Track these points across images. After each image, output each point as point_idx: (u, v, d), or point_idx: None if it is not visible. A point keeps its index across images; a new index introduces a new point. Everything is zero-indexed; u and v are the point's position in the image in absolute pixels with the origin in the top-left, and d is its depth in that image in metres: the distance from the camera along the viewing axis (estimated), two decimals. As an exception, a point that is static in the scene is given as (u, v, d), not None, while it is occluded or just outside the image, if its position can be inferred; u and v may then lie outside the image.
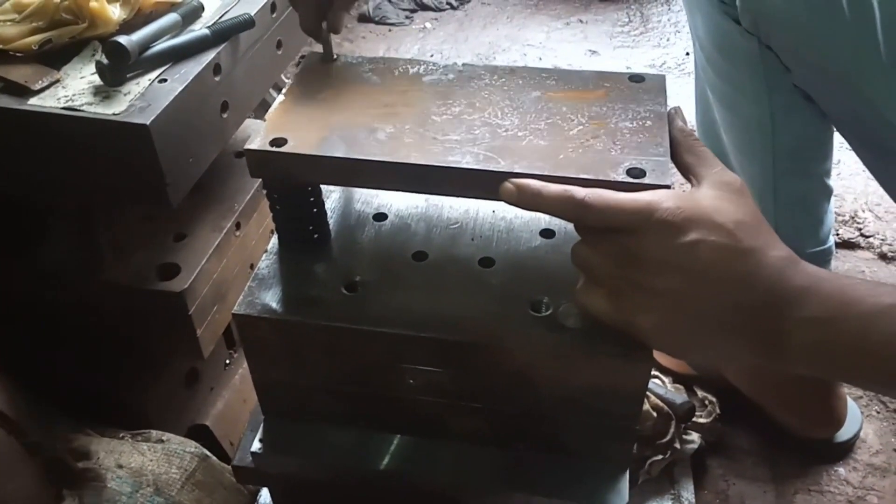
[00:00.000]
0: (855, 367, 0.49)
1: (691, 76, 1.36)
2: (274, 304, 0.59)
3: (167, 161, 0.65)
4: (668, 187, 0.51)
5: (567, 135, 0.56)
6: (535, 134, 0.56)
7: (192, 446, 0.83)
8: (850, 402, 1.04)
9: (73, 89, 0.67)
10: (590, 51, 1.96)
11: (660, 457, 0.93)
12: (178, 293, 0.74)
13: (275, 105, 0.60)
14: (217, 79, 0.72)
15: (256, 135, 0.57)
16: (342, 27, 0.65)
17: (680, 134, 0.56)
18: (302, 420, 0.66)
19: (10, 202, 0.77)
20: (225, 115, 0.75)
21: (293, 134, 0.57)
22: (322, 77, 0.64)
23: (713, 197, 0.50)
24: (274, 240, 0.65)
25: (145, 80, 0.67)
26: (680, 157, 0.55)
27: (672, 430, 0.94)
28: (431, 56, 1.98)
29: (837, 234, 1.32)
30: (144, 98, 0.65)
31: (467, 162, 0.54)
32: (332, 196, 0.70)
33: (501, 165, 0.54)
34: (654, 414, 0.93)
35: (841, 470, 1.01)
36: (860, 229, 1.34)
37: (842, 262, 1.29)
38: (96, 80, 0.67)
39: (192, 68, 0.69)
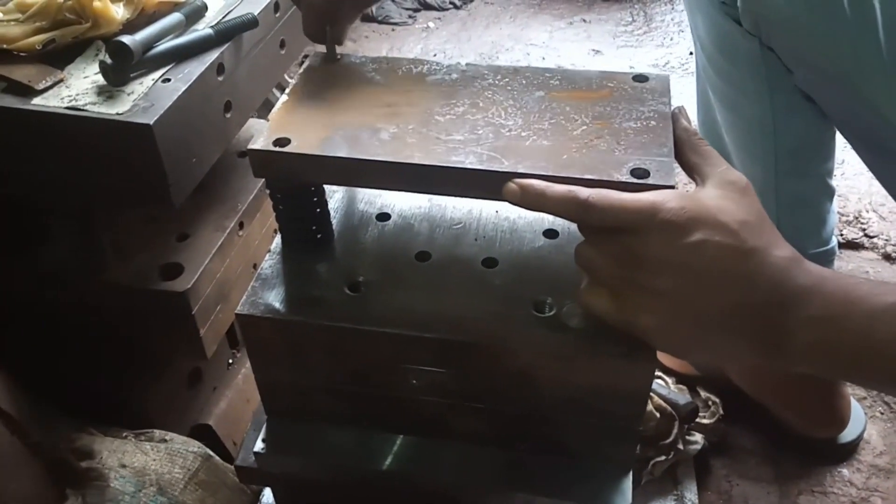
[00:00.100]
0: (859, 367, 0.49)
1: (694, 76, 1.36)
2: (277, 305, 0.59)
3: (170, 161, 0.65)
4: (672, 187, 0.51)
5: (571, 135, 0.56)
6: (538, 134, 0.56)
7: (195, 446, 0.83)
8: (854, 403, 1.04)
9: (77, 89, 0.67)
10: (593, 50, 1.96)
11: (663, 457, 0.93)
12: (181, 293, 0.74)
13: (278, 105, 0.60)
14: (220, 78, 0.72)
15: (259, 135, 0.57)
16: (345, 39, 0.65)
17: (684, 133, 0.56)
18: (305, 420, 0.66)
19: (13, 202, 0.77)
20: (228, 115, 0.75)
21: (296, 134, 0.57)
22: (325, 77, 0.64)
23: (717, 196, 0.50)
24: (277, 239, 0.65)
25: (149, 80, 0.67)
26: (684, 156, 0.55)
27: (675, 430, 0.93)
28: (434, 55, 1.98)
29: (841, 235, 1.32)
30: (148, 98, 0.65)
31: (470, 162, 0.54)
32: (336, 196, 0.70)
33: (505, 165, 0.53)
34: (658, 414, 0.93)
35: (845, 471, 1.00)
36: (864, 229, 1.34)
37: (845, 263, 1.28)
38: (100, 79, 0.67)
39: (195, 68, 0.69)
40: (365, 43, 2.05)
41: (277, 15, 0.81)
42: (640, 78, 0.62)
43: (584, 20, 2.10)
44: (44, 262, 0.78)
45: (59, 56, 0.70)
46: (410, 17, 2.16)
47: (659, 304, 0.49)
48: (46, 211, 0.79)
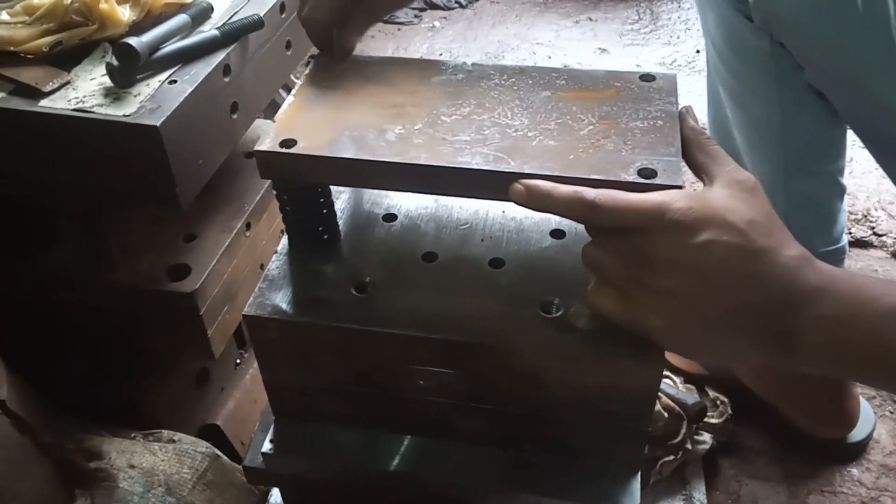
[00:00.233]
0: (869, 367, 0.49)
1: (702, 74, 1.36)
2: (284, 306, 0.59)
3: (177, 162, 0.65)
4: (679, 187, 0.51)
5: (577, 135, 0.56)
6: (545, 134, 0.56)
7: (203, 446, 0.83)
8: (864, 402, 1.03)
9: (84, 91, 0.67)
10: (599, 49, 1.96)
11: (671, 457, 0.93)
12: (189, 294, 0.75)
13: (284, 106, 0.60)
14: (227, 80, 0.72)
15: (266, 136, 0.57)
16: (353, 47, 0.65)
17: (692, 133, 0.55)
18: (312, 421, 0.66)
19: (20, 204, 0.78)
20: (234, 116, 0.75)
21: (303, 135, 0.57)
22: (331, 77, 0.64)
23: (725, 196, 0.49)
24: (284, 240, 0.65)
25: (155, 82, 0.67)
26: (692, 156, 0.55)
27: (683, 430, 0.93)
28: (440, 55, 1.97)
29: (850, 233, 1.31)
30: (154, 99, 0.65)
31: (477, 163, 0.54)
32: (342, 197, 0.70)
33: (511, 166, 0.53)
34: (666, 414, 0.93)
35: (854, 471, 1.00)
36: (873, 228, 1.33)
37: (854, 261, 1.28)
38: (106, 81, 0.67)
39: (201, 69, 0.69)
40: (370, 42, 2.05)
41: (283, 16, 0.81)
42: (647, 77, 0.61)
43: (591, 19, 2.10)
44: (51, 263, 0.79)
45: (66, 58, 0.70)
46: (416, 16, 2.15)
47: (667, 304, 0.49)
48: (53, 212, 0.80)
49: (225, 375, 0.97)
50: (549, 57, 1.94)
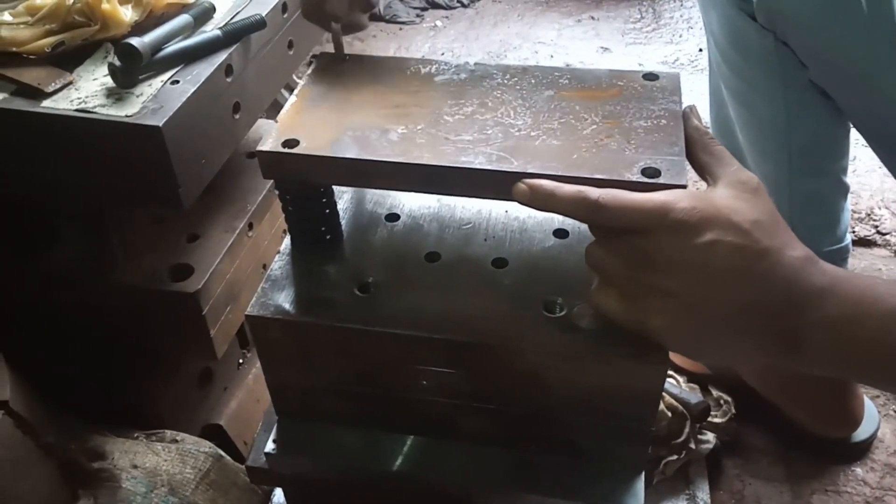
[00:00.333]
0: (873, 368, 0.49)
1: (704, 73, 1.35)
2: (287, 306, 0.59)
3: (179, 162, 0.65)
4: (683, 187, 0.51)
5: (581, 134, 0.56)
6: (548, 133, 0.56)
7: (206, 446, 0.83)
8: (868, 402, 1.03)
9: (86, 91, 0.67)
10: (601, 48, 1.95)
11: (675, 457, 0.93)
12: (192, 294, 0.75)
13: (287, 106, 0.60)
14: (229, 80, 0.72)
15: (268, 136, 0.57)
16: (365, 23, 0.64)
17: (695, 132, 0.55)
18: (315, 421, 0.66)
19: (22, 204, 0.78)
20: (237, 116, 0.75)
21: (305, 135, 0.57)
22: (333, 77, 0.63)
23: (729, 196, 0.49)
24: (286, 240, 0.65)
25: (157, 82, 0.67)
26: (695, 155, 0.54)
27: (687, 429, 0.93)
28: (442, 54, 1.97)
29: (853, 232, 1.31)
30: (157, 100, 0.65)
31: (480, 162, 0.54)
32: (345, 196, 0.69)
33: (514, 166, 0.53)
34: (669, 414, 0.93)
35: (858, 470, 1.00)
36: (876, 226, 1.33)
37: (858, 260, 1.27)
38: (109, 81, 0.67)
39: (203, 69, 0.69)
40: (372, 42, 2.05)
41: (285, 16, 0.81)
42: (651, 76, 0.61)
43: (593, 18, 2.09)
44: (54, 263, 0.79)
45: (69, 58, 0.70)
46: (418, 16, 2.15)
47: (670, 304, 0.49)
48: (56, 213, 0.80)
49: (228, 375, 0.97)
50: (552, 56, 1.93)
